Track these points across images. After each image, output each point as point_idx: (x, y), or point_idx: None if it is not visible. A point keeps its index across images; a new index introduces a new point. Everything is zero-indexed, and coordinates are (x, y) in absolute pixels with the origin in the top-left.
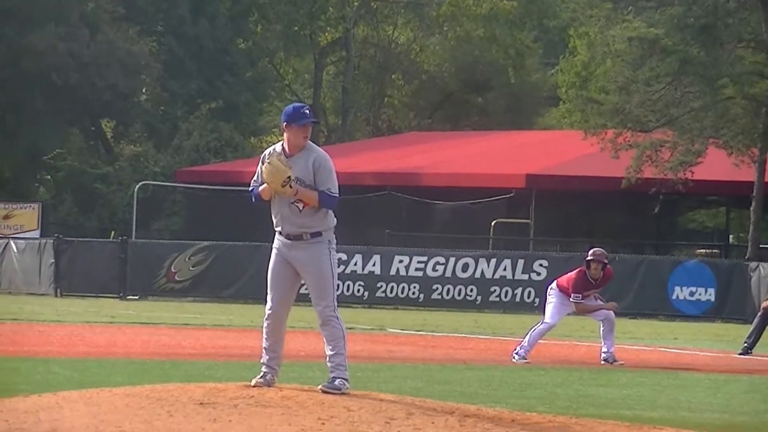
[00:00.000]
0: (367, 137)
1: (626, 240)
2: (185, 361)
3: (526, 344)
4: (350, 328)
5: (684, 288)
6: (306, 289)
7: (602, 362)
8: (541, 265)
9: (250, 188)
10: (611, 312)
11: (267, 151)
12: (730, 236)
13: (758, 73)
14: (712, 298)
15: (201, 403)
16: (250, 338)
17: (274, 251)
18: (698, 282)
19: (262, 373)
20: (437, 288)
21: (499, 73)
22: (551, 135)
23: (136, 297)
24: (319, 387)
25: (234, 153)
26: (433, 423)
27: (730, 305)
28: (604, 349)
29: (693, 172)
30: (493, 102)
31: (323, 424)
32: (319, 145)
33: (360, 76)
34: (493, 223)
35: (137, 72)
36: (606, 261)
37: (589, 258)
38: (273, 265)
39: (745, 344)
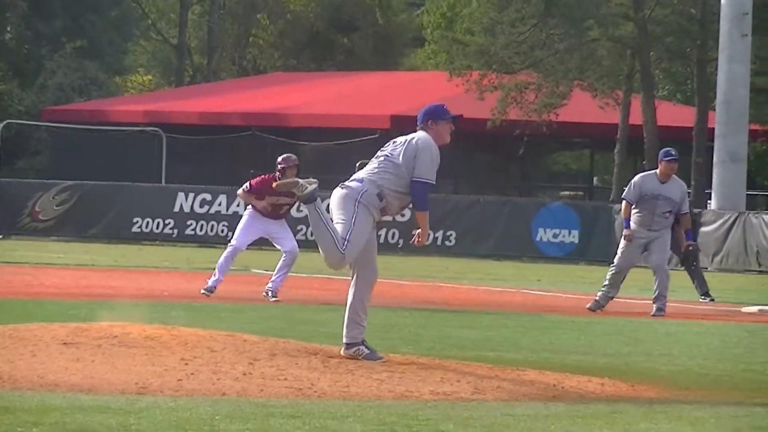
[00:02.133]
0: (233, 77)
1: (491, 182)
2: (49, 301)
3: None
4: (213, 269)
5: (548, 230)
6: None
7: (263, 295)
8: None
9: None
10: (293, 245)
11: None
12: (595, 179)
13: (623, 15)
14: (576, 240)
15: (64, 343)
16: (113, 278)
17: (371, 218)
18: (562, 224)
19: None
20: (302, 228)
21: (365, 14)
22: (417, 76)
23: (0, 236)
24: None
25: (99, 92)
26: (296, 364)
27: (593, 247)
28: (270, 283)
29: (558, 114)
30: (359, 42)
31: (186, 364)
32: (183, 85)
33: (226, 15)
34: (357, 164)
35: (1, 10)
36: (293, 165)
37: (282, 165)
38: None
39: (701, 293)
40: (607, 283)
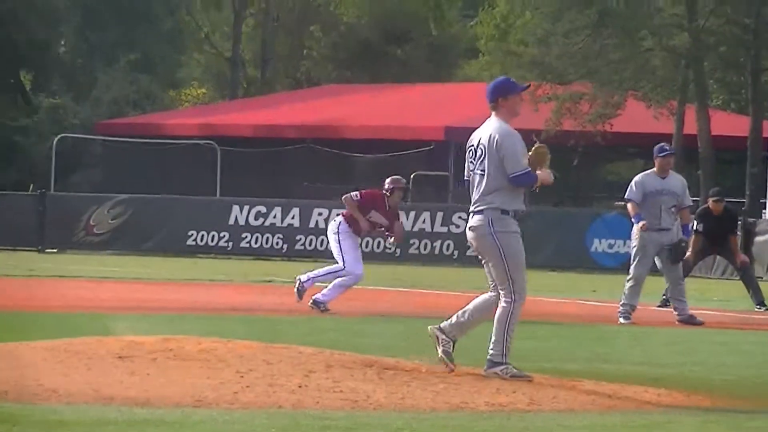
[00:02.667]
0: (287, 90)
1: (545, 192)
2: (104, 315)
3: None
4: (269, 281)
5: (602, 240)
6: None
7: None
8: (460, 217)
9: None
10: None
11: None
12: None
13: (677, 25)
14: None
15: (119, 357)
16: (169, 291)
17: (516, 235)
18: (617, 234)
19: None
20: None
21: (418, 25)
22: (471, 87)
23: (55, 250)
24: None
25: (153, 105)
26: (352, 376)
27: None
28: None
29: (612, 125)
30: (413, 54)
31: (242, 377)
32: (237, 98)
33: (279, 27)
34: (412, 176)
35: (56, 23)
36: (402, 187)
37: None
38: (522, 249)
39: (664, 296)
40: (626, 296)
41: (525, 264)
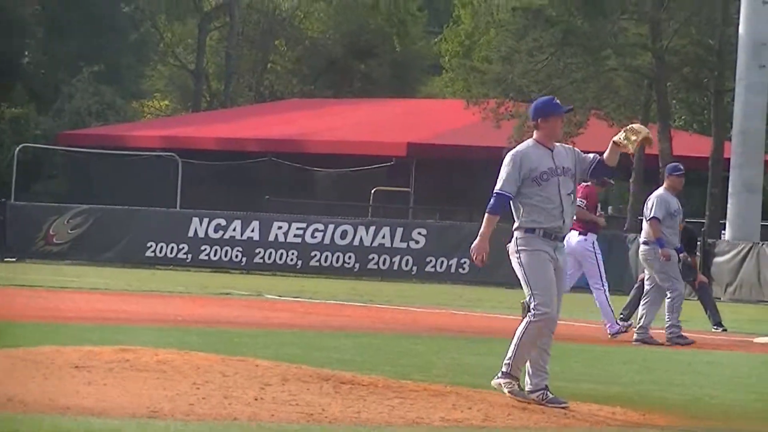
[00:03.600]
0: (250, 103)
1: (507, 210)
2: (62, 324)
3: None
4: (227, 293)
5: None
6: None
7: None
8: (419, 233)
9: (498, 193)
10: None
11: (515, 153)
12: (609, 208)
13: (641, 45)
14: None
15: (76, 367)
16: (127, 302)
17: (538, 252)
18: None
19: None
20: (315, 255)
21: (383, 41)
22: (434, 104)
23: (14, 259)
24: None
25: (116, 116)
26: (308, 389)
27: (608, 276)
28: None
29: (574, 143)
30: (377, 69)
31: (198, 388)
32: (200, 111)
33: (243, 41)
34: (372, 191)
35: (19, 34)
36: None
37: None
38: (547, 266)
39: (621, 315)
40: (673, 313)
41: (550, 284)
